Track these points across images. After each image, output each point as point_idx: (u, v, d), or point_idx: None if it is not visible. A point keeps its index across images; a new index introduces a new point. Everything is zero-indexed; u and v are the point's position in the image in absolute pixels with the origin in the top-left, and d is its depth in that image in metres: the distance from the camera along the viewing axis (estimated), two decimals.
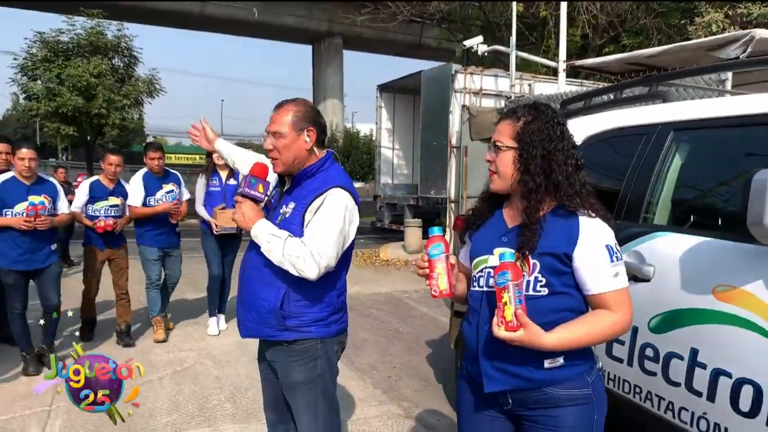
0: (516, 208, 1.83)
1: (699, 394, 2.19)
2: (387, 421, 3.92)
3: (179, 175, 5.99)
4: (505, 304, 1.62)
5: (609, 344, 2.64)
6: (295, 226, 2.25)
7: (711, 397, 2.14)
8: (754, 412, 1.98)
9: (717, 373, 2.11)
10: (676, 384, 2.29)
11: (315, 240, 2.18)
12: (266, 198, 2.37)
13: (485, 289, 1.80)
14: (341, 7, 23.53)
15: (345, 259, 2.36)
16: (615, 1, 11.99)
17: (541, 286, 1.71)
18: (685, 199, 2.66)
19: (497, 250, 1.77)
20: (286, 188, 2.39)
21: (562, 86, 8.46)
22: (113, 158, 5.47)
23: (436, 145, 11.99)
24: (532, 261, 1.70)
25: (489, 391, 1.78)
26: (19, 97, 43.93)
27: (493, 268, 1.72)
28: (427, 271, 1.86)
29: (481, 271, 1.83)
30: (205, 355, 5.23)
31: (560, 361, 1.71)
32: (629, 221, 2.69)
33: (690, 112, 2.67)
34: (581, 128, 3.33)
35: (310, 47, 34.39)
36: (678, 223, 2.58)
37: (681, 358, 2.26)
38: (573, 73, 10.57)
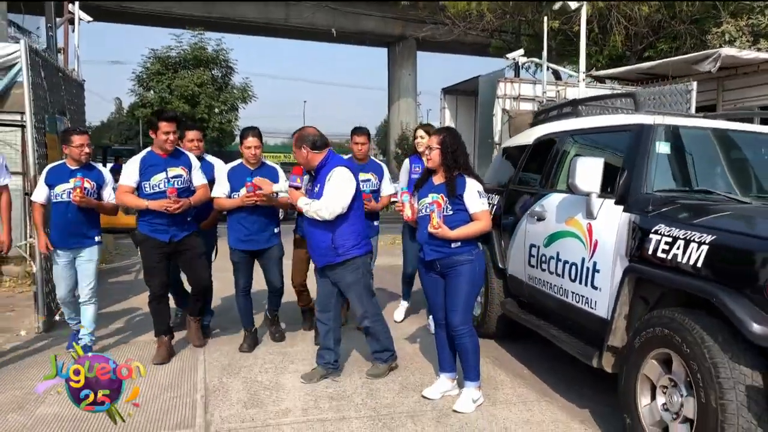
0: (437, 176, 3.86)
1: (559, 275, 4.11)
2: (415, 333, 5.95)
3: (381, 165, 5.64)
4: (434, 219, 3.67)
5: (529, 258, 4.58)
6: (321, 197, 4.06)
7: (562, 275, 4.06)
8: (575, 278, 3.91)
9: (565, 262, 4.04)
10: (552, 272, 4.22)
11: (326, 199, 4.01)
12: (303, 186, 4.25)
13: (425, 213, 3.83)
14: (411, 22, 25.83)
15: (357, 208, 4.16)
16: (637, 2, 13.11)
17: (448, 210, 3.74)
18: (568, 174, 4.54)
19: (431, 195, 3.81)
20: (313, 178, 4.25)
21: (582, 92, 10.12)
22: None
23: (491, 142, 13.79)
24: (445, 198, 3.72)
25: (428, 260, 3.84)
26: (121, 101, 47.53)
27: (430, 203, 3.76)
28: (402, 207, 3.93)
29: (422, 205, 3.85)
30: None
31: (459, 243, 3.74)
32: (544, 188, 4.61)
33: (578, 124, 4.58)
34: (535, 133, 5.26)
35: (385, 50, 36.15)
36: (563, 188, 4.45)
37: (553, 258, 4.19)
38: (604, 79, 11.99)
